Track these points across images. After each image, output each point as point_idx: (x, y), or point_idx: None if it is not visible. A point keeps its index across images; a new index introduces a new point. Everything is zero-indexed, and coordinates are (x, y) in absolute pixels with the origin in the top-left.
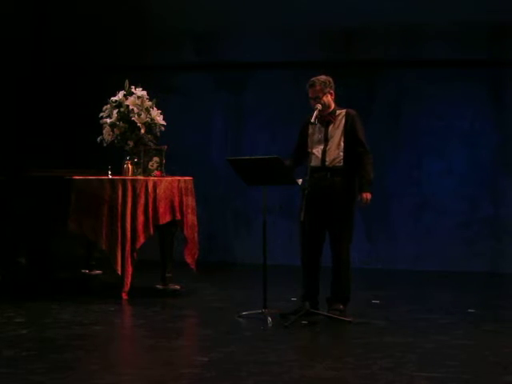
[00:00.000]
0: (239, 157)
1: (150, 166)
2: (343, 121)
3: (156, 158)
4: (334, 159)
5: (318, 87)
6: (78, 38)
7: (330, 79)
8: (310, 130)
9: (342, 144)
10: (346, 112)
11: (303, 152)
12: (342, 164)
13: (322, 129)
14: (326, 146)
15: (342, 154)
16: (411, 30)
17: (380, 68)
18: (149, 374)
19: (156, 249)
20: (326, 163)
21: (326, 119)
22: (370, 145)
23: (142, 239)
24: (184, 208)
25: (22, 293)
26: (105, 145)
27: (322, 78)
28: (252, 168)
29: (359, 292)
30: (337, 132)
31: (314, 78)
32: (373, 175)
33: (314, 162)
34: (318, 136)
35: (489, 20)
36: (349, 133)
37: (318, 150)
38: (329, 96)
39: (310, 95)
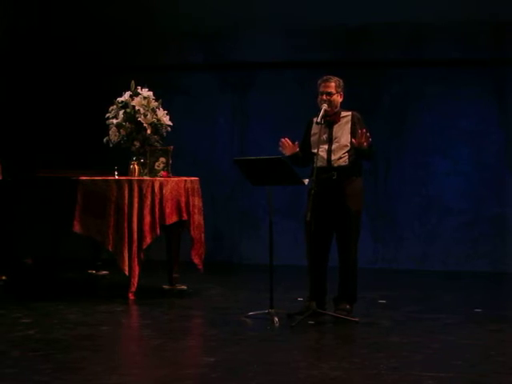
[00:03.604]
0: (245, 157)
1: (156, 167)
2: (350, 122)
3: (162, 159)
4: (339, 159)
5: (333, 83)
6: (84, 39)
7: (342, 82)
8: (314, 131)
9: (348, 145)
10: (352, 114)
11: (308, 151)
12: (347, 164)
13: (326, 129)
14: (330, 145)
15: (347, 154)
16: (415, 29)
17: (385, 68)
18: (155, 375)
19: (163, 249)
20: (332, 163)
21: (331, 119)
22: (375, 145)
23: (148, 240)
24: (191, 208)
25: (29, 293)
26: (111, 145)
27: (337, 77)
28: (258, 168)
29: (365, 292)
30: (343, 132)
31: (329, 75)
32: (369, 156)
33: (320, 163)
34: (322, 136)
35: (493, 19)
36: (355, 134)
37: (322, 150)
38: (339, 96)
39: (323, 89)
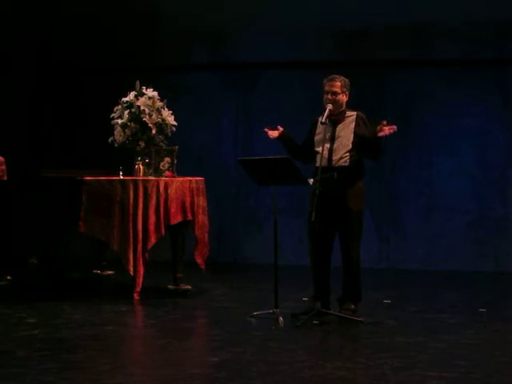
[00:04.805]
0: (250, 157)
1: (161, 167)
2: (354, 122)
3: (167, 159)
4: (340, 159)
5: (338, 83)
6: (88, 39)
7: (349, 82)
8: (319, 130)
9: (350, 145)
10: (357, 114)
11: (311, 149)
12: (348, 164)
13: (330, 128)
14: (332, 145)
15: (348, 154)
16: (421, 29)
17: (390, 67)
18: (159, 374)
19: (167, 249)
20: (333, 163)
21: (335, 119)
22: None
23: (153, 240)
24: (195, 208)
25: (34, 293)
26: (116, 145)
27: (343, 77)
28: (263, 168)
29: (370, 292)
30: (346, 132)
31: (335, 75)
32: (376, 150)
33: (322, 162)
34: (325, 135)
35: (498, 19)
36: (359, 135)
37: (325, 150)
38: (344, 96)
39: (328, 88)
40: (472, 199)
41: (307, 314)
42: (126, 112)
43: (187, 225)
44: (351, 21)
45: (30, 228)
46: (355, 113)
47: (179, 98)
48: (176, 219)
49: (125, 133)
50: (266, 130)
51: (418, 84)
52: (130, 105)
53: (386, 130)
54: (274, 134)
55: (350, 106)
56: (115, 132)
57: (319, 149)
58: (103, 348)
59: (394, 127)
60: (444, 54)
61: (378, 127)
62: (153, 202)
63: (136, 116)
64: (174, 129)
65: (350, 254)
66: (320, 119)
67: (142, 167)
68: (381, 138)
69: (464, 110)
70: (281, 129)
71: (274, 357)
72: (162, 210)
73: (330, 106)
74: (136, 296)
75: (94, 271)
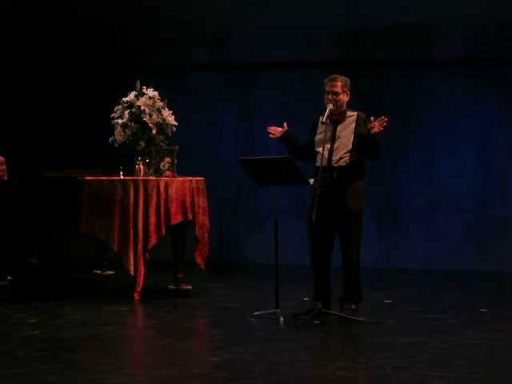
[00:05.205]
0: (251, 157)
1: (161, 167)
2: (354, 123)
3: (167, 159)
4: (340, 159)
5: (339, 83)
6: (88, 39)
7: (350, 81)
8: (319, 130)
9: (351, 145)
10: (358, 114)
11: (312, 149)
12: (348, 164)
13: (331, 128)
14: (333, 145)
15: (348, 154)
16: (421, 29)
17: (390, 67)
18: (160, 374)
19: (168, 249)
20: (333, 162)
21: (336, 118)
22: (381, 144)
23: (153, 239)
24: (196, 208)
25: (34, 293)
26: (116, 145)
27: (344, 76)
28: (264, 168)
29: (371, 292)
30: (346, 132)
31: (336, 74)
32: (375, 148)
33: (322, 162)
34: (326, 135)
35: (498, 19)
36: (359, 135)
37: (325, 150)
38: (345, 96)
39: (329, 89)
40: (473, 199)
41: (308, 314)
42: (127, 112)
43: (188, 225)
44: (351, 21)
45: (29, 228)
46: (356, 113)
47: (179, 98)
48: (176, 219)
49: (125, 133)
50: (269, 128)
51: (418, 84)
52: (131, 105)
53: (377, 125)
54: (276, 132)
55: (350, 106)
56: (115, 132)
57: (319, 149)
58: (104, 348)
59: (384, 119)
60: (444, 54)
61: (369, 125)
62: (153, 201)
63: (136, 116)
64: (174, 129)
65: (350, 254)
66: (321, 119)
67: (142, 167)
68: (375, 134)
69: (464, 110)
70: (286, 127)
71: (275, 357)
72: (162, 209)
73: (330, 106)
74: (136, 296)
75: (95, 271)
